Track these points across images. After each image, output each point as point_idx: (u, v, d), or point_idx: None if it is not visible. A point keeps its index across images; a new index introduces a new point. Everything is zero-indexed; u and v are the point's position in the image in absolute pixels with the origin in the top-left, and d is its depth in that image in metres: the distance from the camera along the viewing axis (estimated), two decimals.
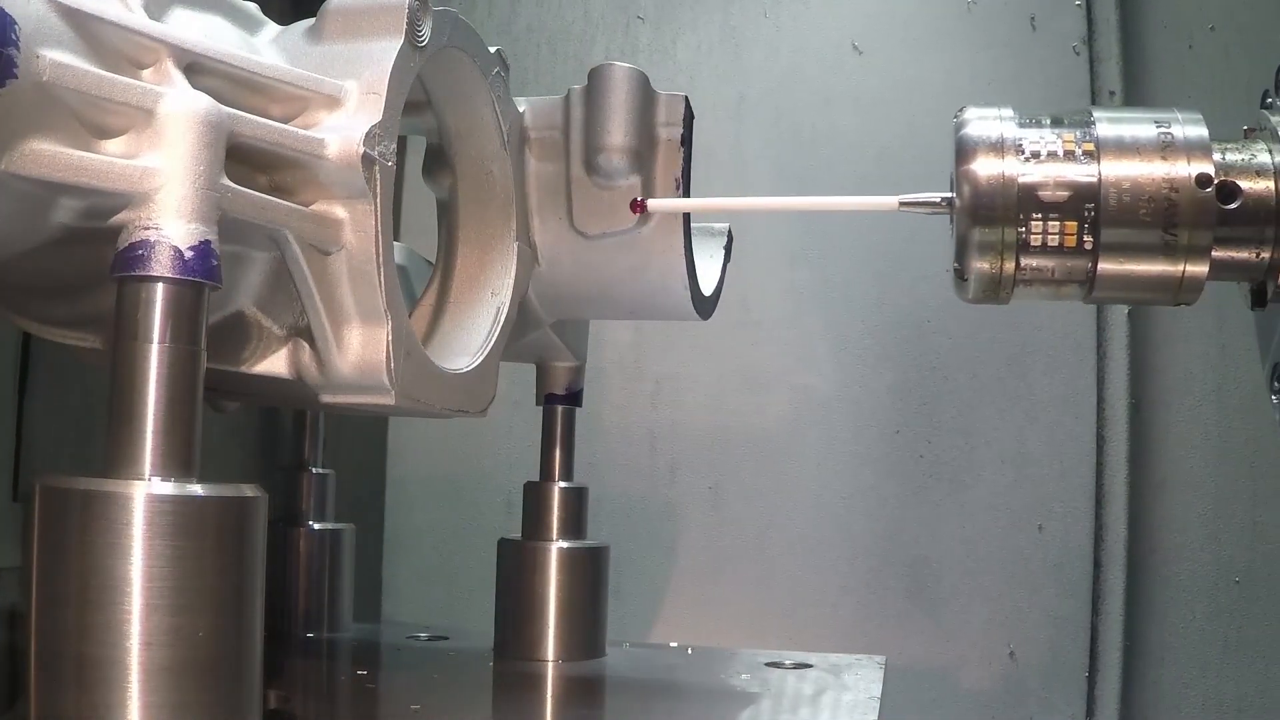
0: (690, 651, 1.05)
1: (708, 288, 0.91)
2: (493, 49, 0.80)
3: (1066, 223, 0.65)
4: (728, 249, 0.97)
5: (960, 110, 0.69)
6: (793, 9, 1.56)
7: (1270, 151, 0.66)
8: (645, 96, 0.82)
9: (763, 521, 1.51)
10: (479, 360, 0.77)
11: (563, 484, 0.99)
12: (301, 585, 1.05)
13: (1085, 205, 0.64)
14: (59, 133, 0.52)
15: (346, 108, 0.65)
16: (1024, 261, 0.66)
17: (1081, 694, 1.45)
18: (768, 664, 0.98)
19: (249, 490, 0.55)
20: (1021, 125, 0.67)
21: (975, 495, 1.48)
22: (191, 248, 0.54)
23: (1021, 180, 0.65)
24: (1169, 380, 1.48)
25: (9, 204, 0.53)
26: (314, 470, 1.09)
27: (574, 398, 1.01)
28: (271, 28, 0.71)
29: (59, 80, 0.51)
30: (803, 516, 1.51)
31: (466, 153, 0.82)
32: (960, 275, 0.68)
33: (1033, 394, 1.48)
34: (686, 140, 0.83)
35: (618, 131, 0.81)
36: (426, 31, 0.69)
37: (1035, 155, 0.65)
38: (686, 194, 0.84)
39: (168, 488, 0.52)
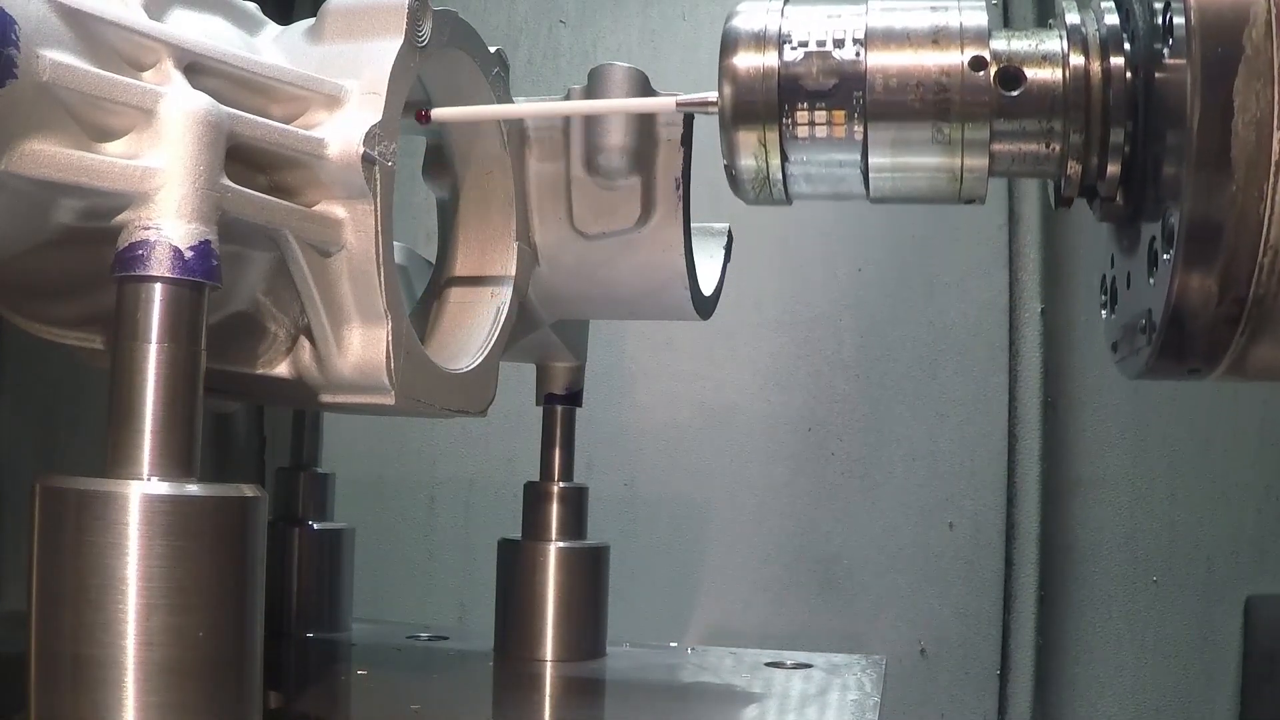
0: (691, 651, 1.05)
1: (708, 288, 0.91)
2: (493, 49, 0.80)
3: (834, 112, 0.62)
4: (728, 249, 0.97)
5: (737, 4, 0.66)
6: (710, 11, 1.57)
7: (1062, 39, 0.61)
8: (645, 96, 0.82)
9: (677, 518, 1.52)
10: (479, 360, 0.77)
11: (562, 484, 0.99)
12: (301, 585, 1.05)
13: (854, 93, 0.61)
14: (59, 133, 0.52)
15: (346, 108, 0.65)
16: (792, 156, 0.63)
17: (993, 692, 1.46)
18: (768, 664, 0.98)
19: (248, 490, 0.55)
20: (791, 17, 0.64)
21: (886, 493, 1.49)
22: (191, 248, 0.54)
23: (784, 69, 0.62)
24: (1086, 379, 1.49)
25: (9, 204, 0.53)
26: (314, 470, 1.09)
27: (574, 398, 1.01)
28: (272, 28, 0.71)
29: (59, 80, 0.51)
30: (716, 514, 1.52)
31: (466, 153, 0.82)
32: (730, 174, 0.66)
33: (944, 392, 1.49)
34: (686, 140, 0.83)
35: (617, 131, 0.81)
36: (426, 31, 0.69)
37: (803, 44, 0.62)
38: (687, 195, 0.84)
39: (165, 487, 0.52)
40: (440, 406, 0.72)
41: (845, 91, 0.61)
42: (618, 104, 0.78)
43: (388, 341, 0.66)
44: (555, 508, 0.98)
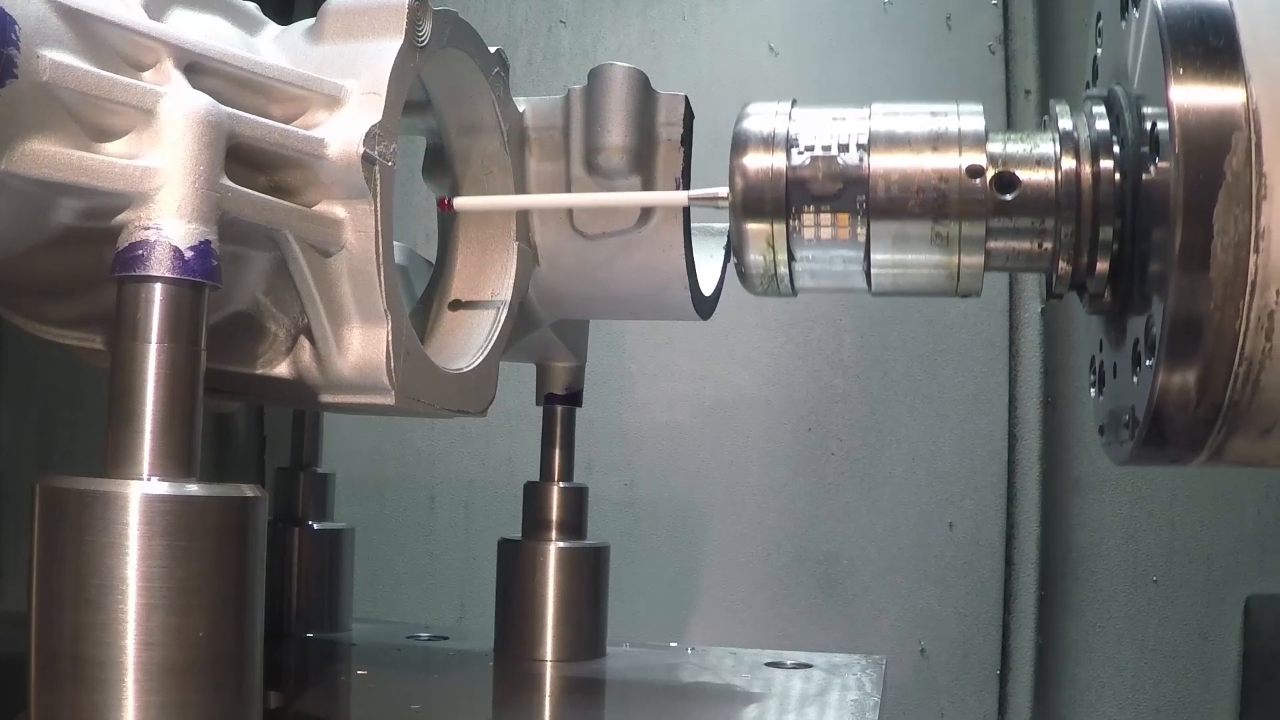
0: (691, 651, 1.05)
1: (708, 288, 0.91)
2: (493, 49, 0.80)
3: (839, 215, 0.65)
4: (728, 249, 0.97)
5: (745, 105, 0.70)
6: (711, 11, 1.57)
7: (1055, 141, 0.65)
8: (645, 96, 0.82)
9: (677, 518, 1.52)
10: (479, 360, 0.77)
11: (562, 484, 0.99)
12: (301, 585, 1.05)
13: (857, 197, 0.65)
14: (59, 133, 0.52)
15: (347, 108, 0.65)
16: (798, 254, 0.67)
17: (993, 691, 1.46)
18: (768, 664, 0.98)
19: (248, 490, 0.55)
20: (798, 120, 0.67)
21: (886, 493, 1.49)
22: (191, 248, 0.54)
23: (792, 174, 0.66)
24: (1085, 379, 1.49)
25: (9, 204, 0.53)
26: (314, 470, 1.09)
27: (574, 398, 1.01)
28: (272, 28, 0.71)
29: (59, 80, 0.51)
30: (716, 514, 1.52)
31: (466, 153, 0.82)
32: (739, 269, 0.70)
33: (944, 393, 1.49)
34: (686, 140, 0.83)
35: (617, 131, 0.81)
36: (426, 31, 0.69)
37: (809, 149, 0.66)
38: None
39: (164, 488, 0.52)
40: (440, 406, 0.72)
41: (849, 195, 0.65)
42: (626, 198, 0.80)
43: (388, 341, 0.66)
44: (555, 508, 0.98)
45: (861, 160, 0.65)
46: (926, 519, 1.49)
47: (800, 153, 0.66)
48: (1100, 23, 0.71)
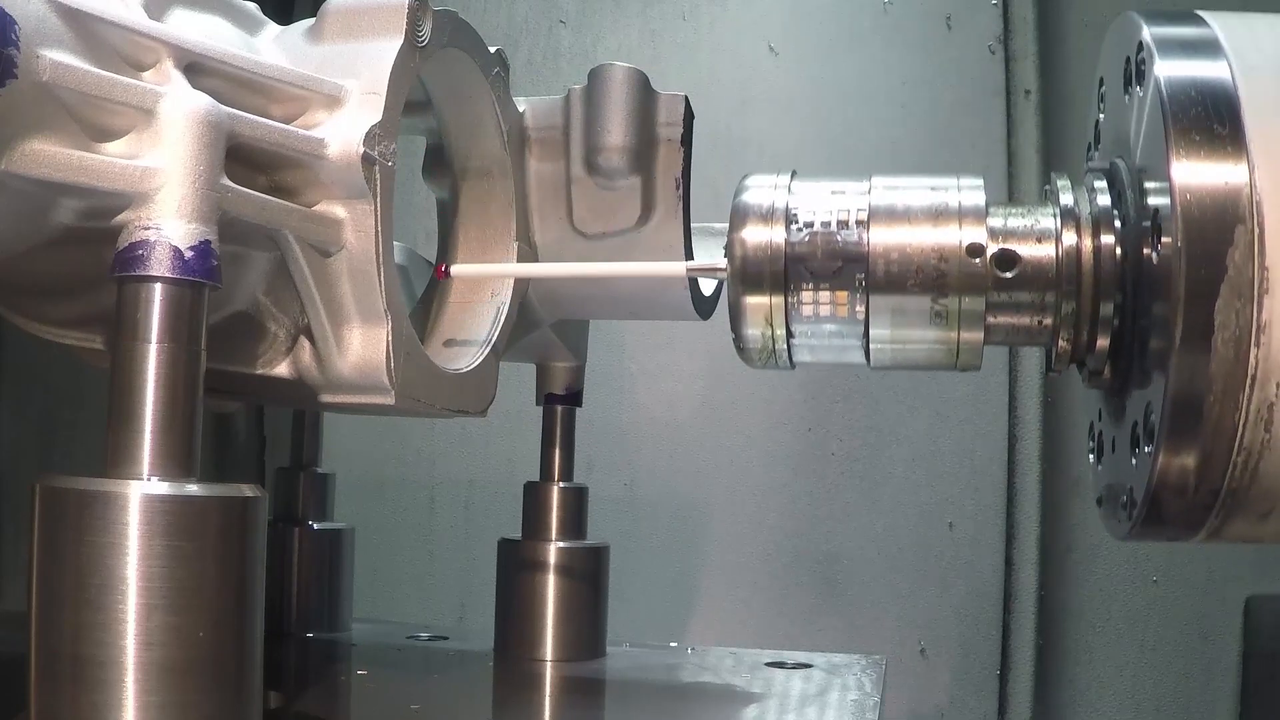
0: (691, 651, 1.05)
1: (708, 288, 0.91)
2: (493, 49, 0.80)
3: (837, 292, 0.65)
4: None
5: (744, 177, 0.69)
6: (711, 11, 1.57)
7: (1055, 215, 0.64)
8: (645, 96, 0.82)
9: (677, 518, 1.52)
10: (479, 360, 0.77)
11: (562, 484, 0.99)
12: (301, 585, 1.05)
13: (856, 275, 0.64)
14: (59, 133, 0.52)
15: (347, 108, 0.65)
16: (796, 329, 0.67)
17: (993, 691, 1.46)
18: (768, 664, 0.98)
19: (248, 490, 0.55)
20: (797, 193, 0.66)
21: (886, 493, 1.49)
22: (191, 248, 0.54)
23: (790, 250, 0.65)
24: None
25: (9, 204, 0.53)
26: (314, 470, 1.09)
27: (574, 398, 1.01)
28: (272, 28, 0.71)
29: (59, 80, 0.51)
30: (716, 514, 1.52)
31: (466, 153, 0.82)
32: (737, 343, 0.69)
33: (944, 393, 1.49)
34: (686, 140, 0.83)
35: (617, 131, 0.81)
36: (426, 31, 0.69)
37: (809, 225, 0.65)
38: (687, 195, 0.84)
39: (164, 488, 0.52)
40: (440, 406, 0.72)
41: (848, 273, 0.64)
42: (628, 268, 0.80)
43: (388, 341, 0.66)
44: (555, 508, 0.98)
45: (861, 237, 0.64)
46: (926, 519, 1.49)
47: (800, 229, 0.65)
48: (1102, 88, 0.70)
